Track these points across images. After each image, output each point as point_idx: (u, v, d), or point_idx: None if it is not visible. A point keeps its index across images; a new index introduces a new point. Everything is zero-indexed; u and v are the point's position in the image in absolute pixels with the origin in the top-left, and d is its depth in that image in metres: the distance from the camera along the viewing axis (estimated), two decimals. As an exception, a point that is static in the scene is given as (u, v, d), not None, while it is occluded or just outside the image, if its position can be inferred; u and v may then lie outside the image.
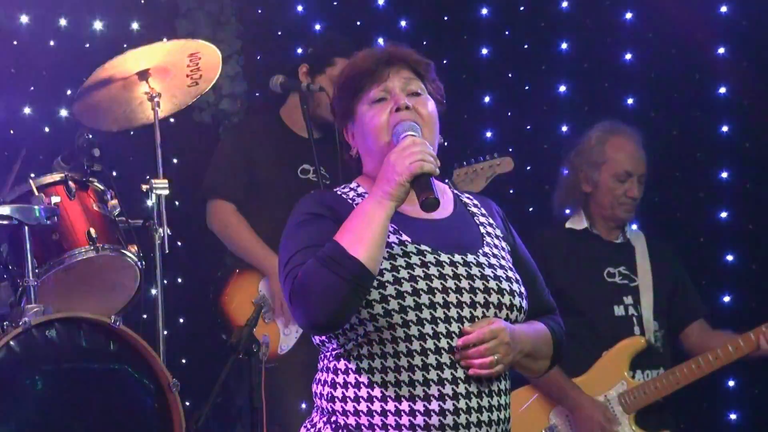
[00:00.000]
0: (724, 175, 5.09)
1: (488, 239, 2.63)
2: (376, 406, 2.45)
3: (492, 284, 2.51)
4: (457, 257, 2.52)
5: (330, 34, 5.16)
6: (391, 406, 2.44)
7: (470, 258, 2.53)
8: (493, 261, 2.56)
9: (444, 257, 2.50)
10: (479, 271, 2.51)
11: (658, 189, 4.97)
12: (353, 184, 2.67)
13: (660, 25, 5.17)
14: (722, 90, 5.09)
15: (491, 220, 2.69)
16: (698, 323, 4.38)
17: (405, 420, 2.44)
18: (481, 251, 2.57)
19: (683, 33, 5.12)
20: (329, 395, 2.53)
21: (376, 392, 2.45)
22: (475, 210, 2.70)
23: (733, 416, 5.02)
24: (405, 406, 2.44)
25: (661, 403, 4.18)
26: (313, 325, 2.45)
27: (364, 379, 2.47)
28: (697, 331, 4.36)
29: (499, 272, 2.54)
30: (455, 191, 2.74)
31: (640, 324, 4.24)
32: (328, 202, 2.59)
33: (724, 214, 5.09)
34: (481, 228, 2.65)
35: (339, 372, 2.52)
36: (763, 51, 4.98)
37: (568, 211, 4.53)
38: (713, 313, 4.81)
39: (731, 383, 4.98)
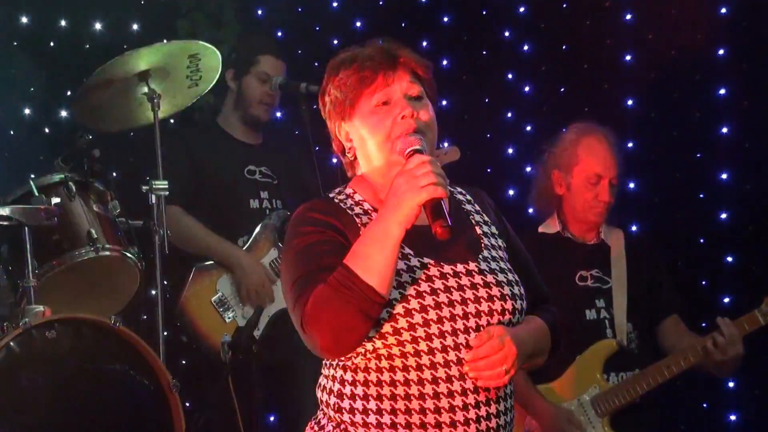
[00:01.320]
0: (724, 176, 5.09)
1: (485, 241, 2.62)
2: (386, 419, 2.45)
3: (495, 291, 2.51)
4: (460, 267, 2.51)
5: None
6: (401, 419, 2.45)
7: (472, 266, 2.53)
8: (493, 265, 2.56)
9: (447, 269, 2.50)
10: (482, 279, 2.51)
11: (658, 190, 4.97)
12: (348, 190, 2.62)
13: (660, 26, 5.17)
14: (722, 91, 5.09)
15: (486, 217, 2.68)
16: (671, 319, 4.28)
17: None
18: (480, 256, 2.56)
19: (683, 33, 5.12)
20: (336, 406, 2.52)
21: (386, 405, 2.46)
22: (469, 207, 2.68)
23: (732, 417, 5.02)
24: (416, 419, 2.44)
25: (638, 405, 4.12)
26: (328, 351, 2.44)
27: (372, 391, 2.47)
28: (669, 328, 4.27)
29: (500, 277, 2.54)
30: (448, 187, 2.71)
31: (612, 326, 4.17)
32: (328, 214, 2.53)
33: (724, 216, 5.08)
34: (477, 229, 2.64)
35: (346, 383, 2.51)
36: (763, 51, 4.98)
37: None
38: (713, 315, 4.82)
39: (731, 384, 4.98)
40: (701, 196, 5.13)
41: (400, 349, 2.44)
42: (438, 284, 2.47)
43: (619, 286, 4.22)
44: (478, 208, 2.69)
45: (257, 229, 4.57)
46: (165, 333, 4.05)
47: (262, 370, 4.30)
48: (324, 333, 2.38)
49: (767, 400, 4.91)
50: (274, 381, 4.47)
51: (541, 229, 4.35)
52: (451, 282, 2.48)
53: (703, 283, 5.05)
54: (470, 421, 2.45)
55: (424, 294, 2.45)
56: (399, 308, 2.42)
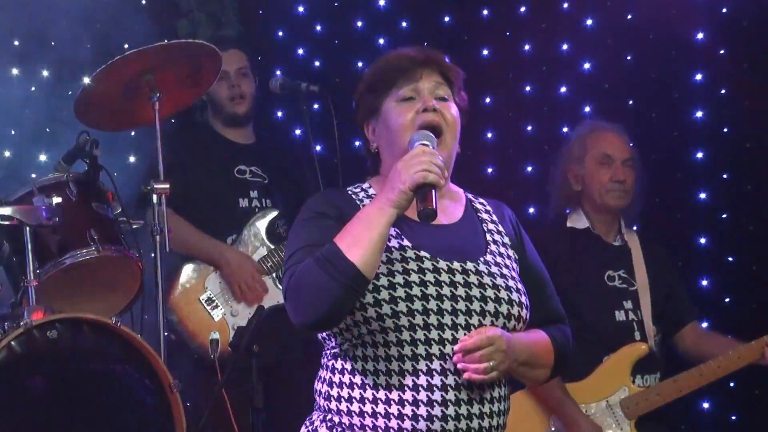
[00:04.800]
0: (725, 176, 5.09)
1: (493, 247, 2.63)
2: (368, 407, 2.49)
3: (489, 293, 2.52)
4: (456, 264, 2.53)
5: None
6: (381, 408, 2.48)
7: (469, 266, 2.54)
8: (494, 269, 2.57)
9: (442, 264, 2.52)
10: (477, 279, 2.53)
11: (659, 190, 4.96)
12: (365, 185, 2.68)
13: (660, 25, 5.17)
14: (723, 91, 5.08)
15: (501, 227, 2.70)
16: (692, 325, 4.37)
17: (394, 423, 2.47)
18: (482, 259, 2.58)
19: (683, 33, 5.12)
20: (326, 394, 2.57)
21: (368, 394, 2.49)
22: (485, 216, 2.71)
23: (733, 417, 5.02)
24: (394, 409, 2.47)
25: (659, 409, 4.15)
26: (304, 323, 2.48)
27: (357, 380, 2.50)
28: (691, 333, 4.35)
29: (499, 281, 2.55)
30: (469, 196, 2.74)
31: (641, 329, 4.21)
32: (336, 202, 2.60)
33: (725, 216, 5.08)
34: (487, 235, 2.66)
35: (335, 371, 2.55)
36: (763, 51, 4.97)
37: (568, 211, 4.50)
38: (714, 314, 4.83)
39: (732, 384, 4.98)
40: (701, 196, 5.13)
41: (383, 337, 2.47)
42: (429, 277, 2.49)
43: (643, 288, 4.25)
44: (495, 218, 2.72)
45: (245, 228, 4.59)
46: (166, 333, 4.05)
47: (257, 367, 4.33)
48: (300, 303, 2.44)
49: (767, 400, 4.90)
50: (268, 378, 4.48)
51: (569, 224, 4.37)
52: (444, 277, 2.50)
53: (704, 283, 5.04)
54: (448, 417, 2.46)
55: (412, 284, 2.47)
56: (385, 294, 2.45)
